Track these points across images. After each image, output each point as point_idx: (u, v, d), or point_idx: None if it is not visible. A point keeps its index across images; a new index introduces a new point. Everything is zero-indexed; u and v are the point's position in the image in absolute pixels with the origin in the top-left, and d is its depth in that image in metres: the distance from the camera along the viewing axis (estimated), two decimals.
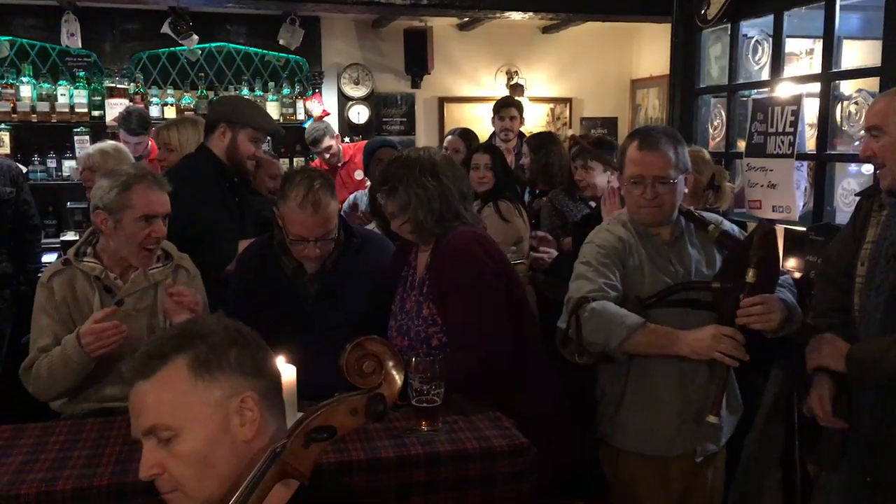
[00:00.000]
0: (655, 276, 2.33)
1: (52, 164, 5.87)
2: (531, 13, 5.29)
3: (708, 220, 2.46)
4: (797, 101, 3.68)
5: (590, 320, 2.24)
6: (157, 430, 1.27)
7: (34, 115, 5.77)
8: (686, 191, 2.40)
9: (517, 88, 6.92)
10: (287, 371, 2.24)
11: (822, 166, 3.68)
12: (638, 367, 2.35)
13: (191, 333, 1.32)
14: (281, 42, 5.91)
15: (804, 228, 3.60)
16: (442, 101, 7.00)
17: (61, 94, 5.82)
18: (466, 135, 4.90)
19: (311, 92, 6.44)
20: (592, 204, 3.81)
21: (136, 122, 4.69)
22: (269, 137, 3.33)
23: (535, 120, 7.08)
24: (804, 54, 5.17)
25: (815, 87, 3.73)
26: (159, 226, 2.47)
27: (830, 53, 3.59)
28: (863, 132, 2.40)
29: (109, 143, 4.11)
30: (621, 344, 2.20)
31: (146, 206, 2.44)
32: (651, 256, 2.36)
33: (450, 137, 4.99)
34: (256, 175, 3.90)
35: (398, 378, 1.46)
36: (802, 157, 3.73)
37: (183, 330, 1.35)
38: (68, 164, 5.84)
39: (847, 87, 3.95)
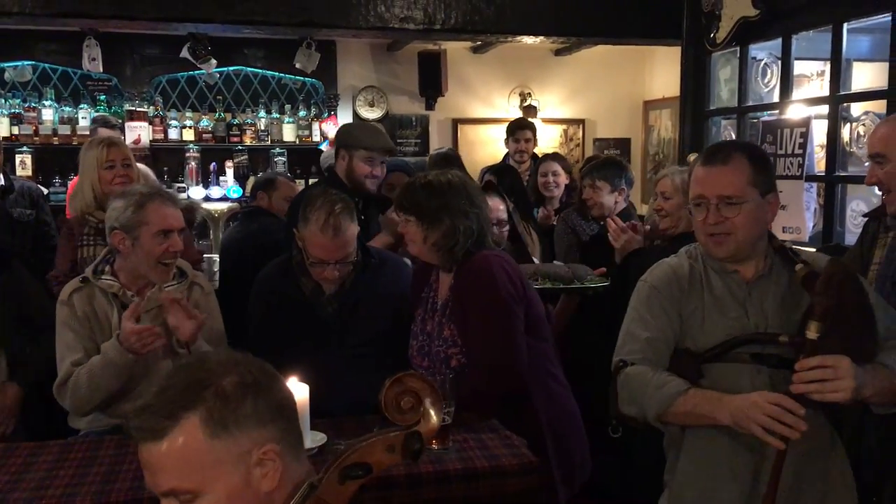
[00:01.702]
0: (716, 324, 1.93)
1: None
2: (543, 37, 5.35)
3: (801, 256, 1.96)
4: (806, 123, 3.71)
5: (624, 388, 1.94)
6: (177, 494, 1.21)
7: (56, 138, 5.89)
8: (770, 216, 1.94)
9: (530, 110, 6.98)
10: (300, 390, 2.28)
11: (832, 187, 3.70)
12: (694, 432, 1.96)
13: (199, 384, 1.21)
14: (297, 66, 6.00)
15: (814, 249, 3.62)
16: (456, 123, 7.07)
17: (82, 118, 5.94)
18: (447, 159, 4.91)
19: (326, 114, 6.52)
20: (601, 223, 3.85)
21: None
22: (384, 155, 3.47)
23: (548, 141, 7.13)
24: (815, 76, 5.20)
25: (825, 108, 3.76)
26: (175, 240, 2.54)
27: (838, 76, 3.62)
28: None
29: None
30: (659, 416, 1.87)
31: (162, 221, 2.51)
32: (719, 299, 1.94)
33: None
34: (273, 197, 3.97)
35: (435, 416, 1.43)
36: (812, 178, 3.75)
37: (190, 380, 1.23)
38: None
39: (856, 108, 3.98)
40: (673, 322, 1.96)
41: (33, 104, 5.91)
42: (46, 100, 5.94)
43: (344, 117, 6.67)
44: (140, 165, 4.24)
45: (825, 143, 3.77)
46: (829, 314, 1.76)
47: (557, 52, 7.04)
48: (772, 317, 1.91)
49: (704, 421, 1.83)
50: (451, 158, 4.94)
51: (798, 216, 3.70)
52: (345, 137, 3.53)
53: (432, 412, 1.42)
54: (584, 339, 3.24)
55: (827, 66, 3.90)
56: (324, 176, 3.91)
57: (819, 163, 3.86)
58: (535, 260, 3.79)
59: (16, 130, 5.82)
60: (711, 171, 1.93)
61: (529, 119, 6.09)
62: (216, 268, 4.21)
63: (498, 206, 3.36)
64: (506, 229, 3.41)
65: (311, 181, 6.45)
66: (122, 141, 3.58)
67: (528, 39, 5.40)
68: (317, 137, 6.45)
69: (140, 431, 1.21)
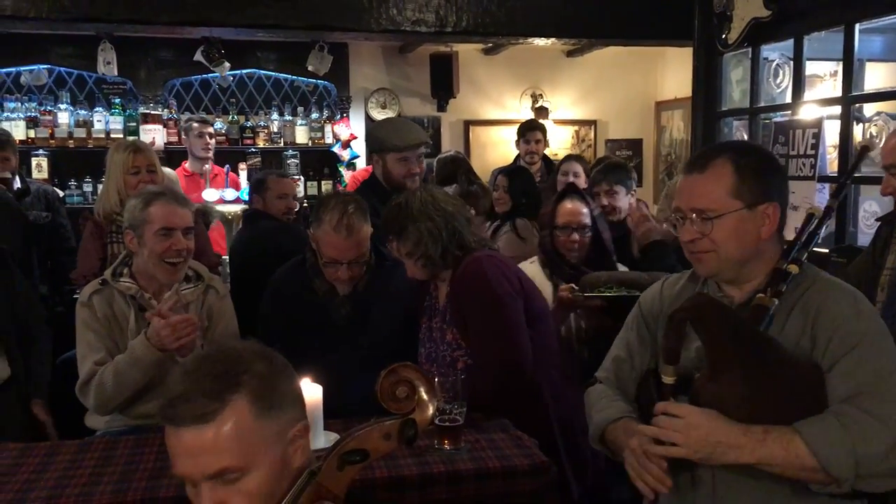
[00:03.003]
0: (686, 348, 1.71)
1: (87, 188, 6.02)
2: (554, 38, 5.36)
3: (794, 285, 1.65)
4: (818, 123, 3.71)
5: (585, 406, 1.91)
6: (226, 473, 1.24)
7: (71, 141, 5.94)
8: (766, 229, 1.65)
9: (542, 111, 6.99)
10: (313, 391, 2.31)
11: (844, 188, 3.69)
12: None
13: (236, 369, 1.27)
14: (310, 68, 6.03)
15: (826, 250, 3.62)
16: (467, 124, 7.09)
17: (97, 121, 5.98)
18: (455, 162, 4.95)
19: (339, 116, 6.55)
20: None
21: None
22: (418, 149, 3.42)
23: (559, 142, 7.14)
24: (827, 76, 5.19)
25: (837, 109, 3.75)
26: (178, 238, 2.55)
27: (850, 77, 3.61)
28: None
29: None
30: (596, 442, 1.83)
31: (163, 219, 2.54)
32: None
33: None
34: (266, 198, 3.99)
35: (430, 404, 1.48)
36: (824, 179, 3.75)
37: (226, 366, 1.28)
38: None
39: (869, 108, 3.97)
40: (645, 342, 1.85)
41: (49, 107, 5.97)
42: (62, 103, 5.99)
43: (356, 119, 6.70)
44: (166, 169, 4.29)
45: (837, 143, 3.76)
46: (673, 356, 1.59)
47: (569, 54, 7.04)
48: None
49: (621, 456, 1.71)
50: (458, 161, 4.97)
51: None
52: (373, 142, 3.51)
53: (427, 400, 1.47)
54: None
55: (839, 67, 3.89)
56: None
57: (831, 163, 3.85)
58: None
59: (32, 133, 5.87)
60: (688, 181, 1.73)
61: (541, 120, 6.10)
62: (229, 269, 4.24)
63: (579, 210, 3.10)
64: (588, 234, 3.11)
65: (324, 183, 6.50)
66: (148, 146, 3.63)
67: (540, 41, 5.41)
68: (329, 139, 6.49)
69: (185, 419, 1.23)
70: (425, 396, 1.47)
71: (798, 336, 1.59)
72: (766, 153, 1.79)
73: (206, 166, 5.18)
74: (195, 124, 5.21)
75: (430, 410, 1.49)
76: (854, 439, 1.47)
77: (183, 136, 5.57)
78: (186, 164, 5.25)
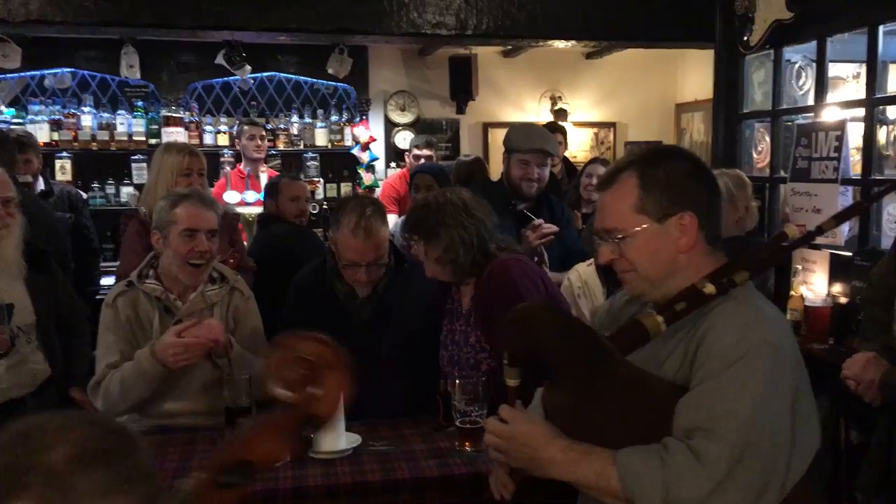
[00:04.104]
0: None
1: (110, 190, 6.09)
2: (574, 41, 5.36)
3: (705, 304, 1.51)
4: (841, 126, 3.68)
5: None
6: None
7: (94, 144, 6.01)
8: (684, 242, 1.54)
9: (561, 113, 6.99)
10: None
11: (867, 191, 3.67)
12: None
13: (19, 466, 0.90)
14: (330, 71, 6.06)
15: (850, 253, 3.59)
16: (486, 127, 7.09)
17: (120, 124, 6.05)
18: (475, 164, 4.95)
19: (358, 118, 6.58)
20: None
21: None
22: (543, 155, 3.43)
23: (578, 144, 7.14)
24: (851, 78, 5.15)
25: (860, 111, 3.72)
26: (201, 240, 2.57)
27: (874, 79, 3.58)
28: None
29: None
30: None
31: (188, 220, 2.56)
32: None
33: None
34: (279, 201, 4.02)
35: (336, 389, 1.16)
36: (847, 181, 3.72)
37: (8, 462, 0.90)
38: (126, 191, 6.06)
39: (892, 111, 3.94)
40: None
41: (73, 110, 6.03)
42: (85, 106, 6.05)
43: (375, 122, 6.73)
44: None
45: (861, 145, 3.74)
46: (514, 360, 1.54)
47: (588, 56, 7.03)
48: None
49: None
50: (476, 164, 4.99)
51: None
52: (505, 141, 3.59)
53: (333, 385, 1.16)
54: None
55: (862, 69, 3.86)
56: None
57: (855, 166, 3.82)
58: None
59: (56, 136, 5.95)
60: (599, 199, 1.64)
61: (560, 123, 6.09)
62: None
63: None
64: None
65: (343, 185, 6.53)
66: (199, 151, 3.67)
67: (560, 44, 5.41)
68: (349, 142, 6.51)
69: None
70: (330, 379, 1.16)
71: (680, 362, 1.48)
72: (681, 159, 1.60)
73: (262, 168, 5.21)
74: (246, 127, 5.25)
75: (333, 396, 1.17)
76: (670, 479, 1.36)
77: (236, 140, 5.62)
78: (241, 166, 5.28)
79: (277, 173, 5.22)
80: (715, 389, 1.40)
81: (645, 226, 1.53)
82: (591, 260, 2.88)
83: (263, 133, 5.33)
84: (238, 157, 5.67)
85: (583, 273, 2.85)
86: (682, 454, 1.37)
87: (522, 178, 3.40)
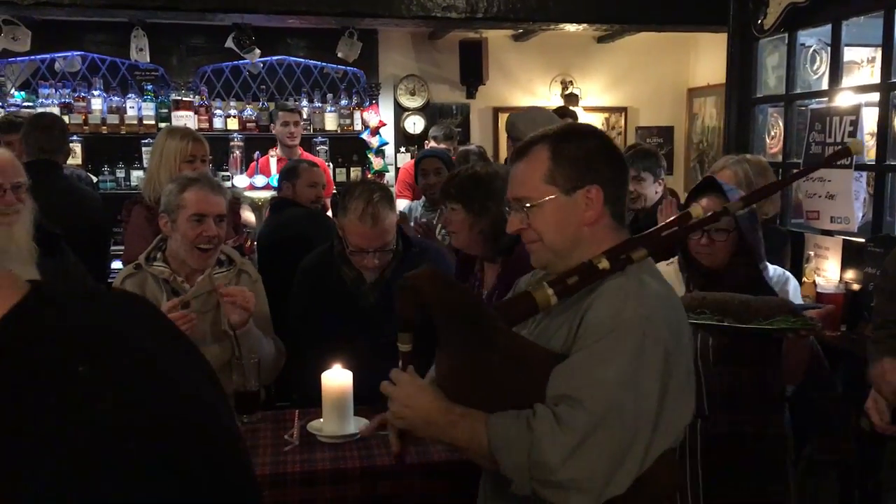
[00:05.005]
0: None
1: (120, 173, 6.10)
2: (586, 24, 5.31)
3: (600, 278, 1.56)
4: (856, 110, 3.64)
5: None
6: None
7: (104, 127, 6.00)
8: (589, 214, 1.60)
9: (572, 98, 6.94)
10: (343, 377, 2.32)
11: (882, 176, 3.63)
12: None
13: None
14: (339, 55, 6.04)
15: (863, 240, 3.56)
16: (497, 111, 7.06)
17: (130, 107, 6.04)
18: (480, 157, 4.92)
19: (368, 103, 6.56)
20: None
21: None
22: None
23: None
24: (865, 63, 5.08)
25: (875, 96, 3.68)
26: (210, 225, 2.57)
27: (889, 63, 3.53)
28: None
29: None
30: None
31: (196, 205, 2.56)
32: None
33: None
34: (296, 185, 4.01)
35: None
36: (861, 167, 3.68)
37: None
38: (136, 174, 6.06)
39: None
40: None
41: (82, 94, 6.03)
42: (95, 89, 6.05)
43: (385, 106, 6.70)
44: None
45: (875, 131, 3.69)
46: (405, 324, 1.60)
47: (600, 40, 6.97)
48: (528, 337, 1.62)
49: None
50: (478, 154, 4.95)
51: (847, 206, 3.64)
52: (508, 128, 3.59)
53: None
54: None
55: (878, 53, 3.81)
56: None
57: (869, 151, 3.78)
58: None
59: (66, 120, 5.91)
60: (512, 169, 1.70)
61: (571, 107, 6.06)
62: (257, 256, 4.27)
63: (713, 209, 2.45)
64: (725, 238, 2.52)
65: (352, 169, 6.52)
66: (202, 136, 3.62)
67: (571, 27, 5.37)
68: (358, 126, 6.49)
69: None
70: None
71: (566, 334, 1.53)
72: (591, 136, 1.67)
73: (297, 153, 5.14)
74: (280, 113, 5.19)
75: None
76: (533, 443, 1.41)
77: (271, 125, 5.55)
78: (277, 150, 5.23)
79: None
80: (585, 359, 1.46)
81: (553, 196, 1.59)
82: (673, 259, 2.65)
83: (298, 119, 5.22)
84: (252, 142, 5.67)
85: (664, 272, 2.67)
86: (547, 419, 1.42)
87: None
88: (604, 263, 1.53)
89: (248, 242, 3.43)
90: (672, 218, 1.77)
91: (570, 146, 1.61)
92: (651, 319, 1.47)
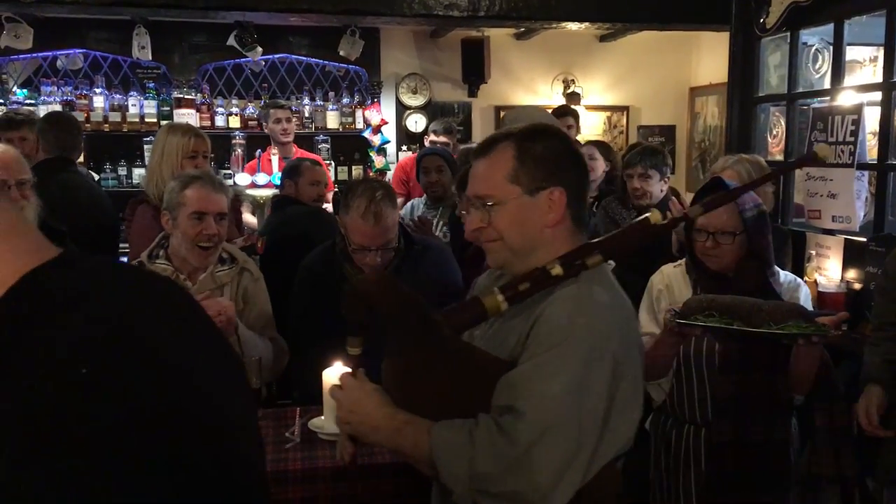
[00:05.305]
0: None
1: (122, 171, 6.11)
2: (588, 23, 5.31)
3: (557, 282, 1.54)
4: (858, 110, 3.63)
5: None
6: None
7: (106, 125, 6.01)
8: (551, 217, 1.58)
9: (574, 97, 6.93)
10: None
11: (884, 176, 3.62)
12: None
13: None
14: (341, 53, 6.04)
15: (865, 239, 3.56)
16: (499, 110, 7.05)
17: (132, 105, 6.05)
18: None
19: (369, 101, 6.56)
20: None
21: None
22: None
23: (591, 128, 7.08)
24: (868, 62, 5.08)
25: (877, 95, 3.67)
26: (210, 223, 2.57)
27: (892, 62, 3.53)
28: None
29: None
30: None
31: (197, 203, 2.56)
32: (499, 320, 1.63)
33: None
34: (299, 184, 4.01)
35: None
36: (863, 166, 3.68)
37: None
38: (138, 172, 6.06)
39: None
40: None
41: (84, 91, 6.03)
42: (97, 87, 6.05)
43: (387, 104, 6.70)
44: None
45: (877, 130, 3.69)
46: (355, 328, 1.58)
47: (602, 39, 6.97)
48: (480, 341, 1.61)
49: None
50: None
51: (848, 205, 3.64)
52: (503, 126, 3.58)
53: None
54: None
55: (880, 52, 3.81)
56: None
57: (871, 150, 3.78)
58: None
59: None
60: (474, 166, 1.65)
61: (573, 106, 6.05)
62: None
63: (721, 212, 2.43)
64: (733, 241, 2.45)
65: (354, 168, 6.52)
66: (203, 133, 3.59)
67: (573, 26, 5.36)
68: (360, 125, 6.49)
69: None
70: None
71: (516, 341, 1.51)
72: (556, 137, 1.64)
73: (293, 151, 5.10)
74: (271, 111, 5.14)
75: None
76: (475, 454, 1.40)
77: (263, 124, 5.48)
78: (271, 149, 5.17)
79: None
80: (531, 370, 1.44)
81: (516, 196, 1.56)
82: (681, 261, 2.60)
83: (289, 115, 5.20)
84: (254, 140, 5.66)
85: (668, 274, 2.57)
86: (489, 430, 1.41)
87: None
88: (557, 270, 1.51)
89: (260, 243, 3.42)
90: (629, 223, 1.75)
91: (536, 146, 1.58)
92: (600, 330, 1.46)
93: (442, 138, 5.23)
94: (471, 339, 1.63)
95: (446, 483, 1.43)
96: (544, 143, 1.60)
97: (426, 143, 5.52)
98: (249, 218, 4.69)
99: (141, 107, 6.07)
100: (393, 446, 1.54)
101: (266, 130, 5.31)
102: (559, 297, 1.49)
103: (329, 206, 4.46)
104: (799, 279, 2.58)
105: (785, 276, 2.52)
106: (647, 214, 1.68)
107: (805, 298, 2.45)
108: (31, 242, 0.81)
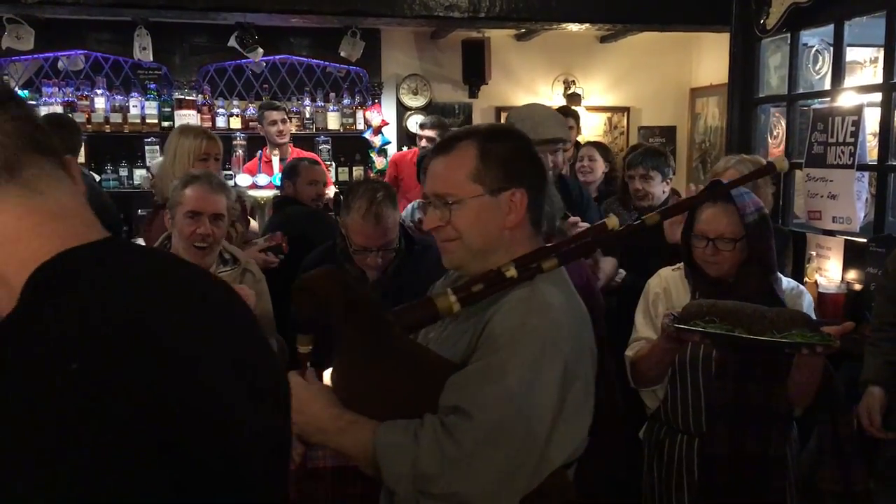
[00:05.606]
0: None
1: (123, 172, 6.11)
2: (588, 24, 5.32)
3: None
4: (858, 111, 3.64)
5: None
6: None
7: (108, 126, 6.02)
8: (512, 218, 1.55)
9: (574, 98, 6.94)
10: None
11: (884, 177, 3.63)
12: None
13: None
14: (342, 54, 6.04)
15: (865, 240, 3.56)
16: (499, 111, 7.05)
17: (133, 106, 6.06)
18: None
19: (370, 102, 6.57)
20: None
21: None
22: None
23: (591, 129, 7.09)
24: (868, 63, 5.09)
25: (878, 96, 3.68)
26: (204, 223, 2.57)
27: (892, 63, 3.53)
28: None
29: None
30: None
31: (193, 202, 2.56)
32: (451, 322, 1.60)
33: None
34: (297, 184, 4.01)
35: None
36: (863, 167, 3.68)
37: None
38: (139, 173, 6.08)
39: None
40: None
41: (86, 92, 6.05)
42: (98, 88, 6.06)
43: (388, 105, 6.71)
44: None
45: (878, 131, 3.69)
46: (303, 326, 1.55)
47: (602, 39, 6.98)
48: (434, 344, 1.59)
49: None
50: None
51: (849, 206, 3.64)
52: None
53: None
54: None
55: (880, 53, 3.81)
56: None
57: (871, 151, 3.78)
58: None
59: None
60: (433, 164, 1.60)
61: (573, 107, 6.06)
62: None
63: (720, 219, 2.39)
64: (733, 248, 2.38)
65: (355, 169, 6.52)
66: (215, 135, 3.60)
67: (574, 27, 5.37)
68: (360, 125, 6.50)
69: None
70: None
71: (468, 342, 1.48)
72: (519, 138, 1.63)
73: (289, 152, 5.08)
74: (265, 112, 5.11)
75: None
76: (418, 455, 1.37)
77: (258, 126, 5.41)
78: (266, 150, 5.17)
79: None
80: (479, 371, 1.41)
81: (478, 195, 1.53)
82: (680, 264, 2.51)
83: (285, 116, 5.17)
84: (255, 141, 5.67)
85: (666, 278, 2.50)
86: (435, 430, 1.38)
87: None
88: (511, 272, 1.48)
89: (284, 242, 3.42)
90: (586, 227, 1.73)
91: (499, 146, 1.56)
92: (552, 332, 1.44)
93: (430, 132, 5.21)
94: (426, 342, 1.61)
95: (388, 483, 1.41)
96: (507, 143, 1.58)
97: (417, 140, 5.52)
98: (252, 223, 4.69)
99: (142, 108, 6.08)
100: (338, 447, 1.50)
101: (261, 132, 5.28)
102: (512, 299, 1.47)
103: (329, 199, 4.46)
104: (801, 286, 2.52)
105: (787, 282, 2.45)
106: (604, 220, 1.68)
107: (808, 307, 2.38)
108: (79, 226, 0.84)
